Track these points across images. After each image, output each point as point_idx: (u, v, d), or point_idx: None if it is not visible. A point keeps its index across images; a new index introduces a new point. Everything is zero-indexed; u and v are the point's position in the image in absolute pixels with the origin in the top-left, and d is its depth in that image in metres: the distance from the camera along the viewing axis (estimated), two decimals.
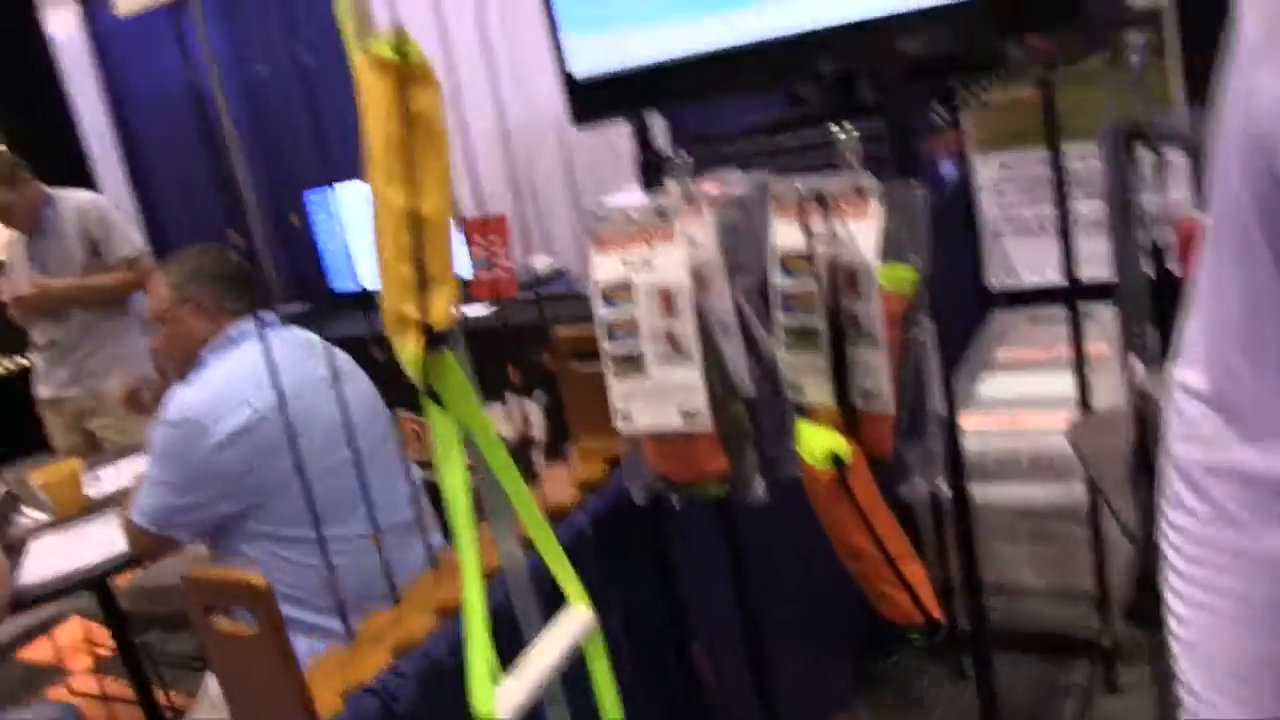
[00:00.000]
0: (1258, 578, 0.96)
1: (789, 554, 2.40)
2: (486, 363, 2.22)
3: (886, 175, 1.55)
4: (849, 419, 1.57)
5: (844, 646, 2.87)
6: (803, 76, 1.84)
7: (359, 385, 2.55)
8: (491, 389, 3.58)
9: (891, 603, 1.61)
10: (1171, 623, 1.02)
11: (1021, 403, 3.47)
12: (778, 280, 1.59)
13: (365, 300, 4.15)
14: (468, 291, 3.97)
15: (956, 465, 1.63)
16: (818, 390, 1.60)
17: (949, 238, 3.82)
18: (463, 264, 4.07)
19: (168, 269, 2.58)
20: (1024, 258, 4.06)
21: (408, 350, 1.10)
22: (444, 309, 1.10)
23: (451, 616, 1.55)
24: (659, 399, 1.59)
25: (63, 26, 5.96)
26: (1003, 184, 3.99)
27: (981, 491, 2.97)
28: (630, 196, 1.64)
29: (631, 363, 1.61)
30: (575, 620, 1.33)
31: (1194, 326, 0.95)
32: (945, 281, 3.54)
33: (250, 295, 2.57)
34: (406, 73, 1.07)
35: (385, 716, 1.37)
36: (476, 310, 3.65)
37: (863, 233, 1.50)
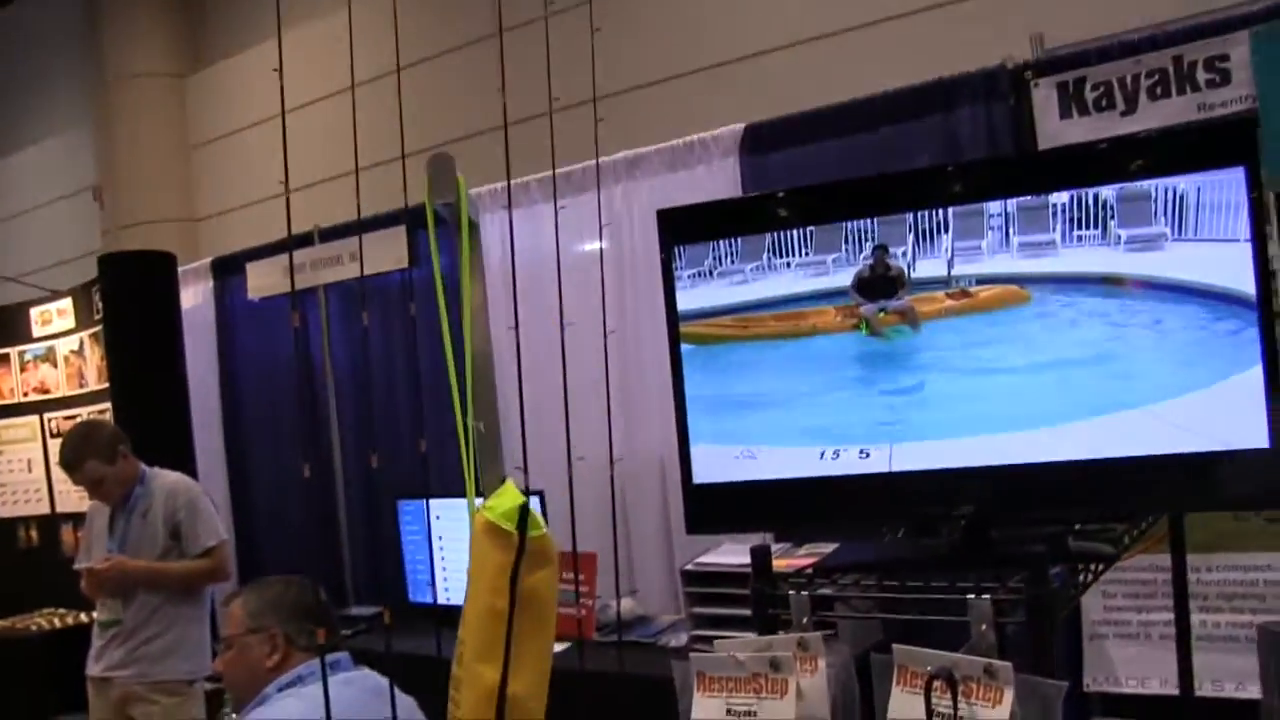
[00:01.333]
0: None
1: None
2: (559, 706, 2.13)
3: (1018, 649, 1.47)
4: None
5: None
6: (936, 517, 1.79)
7: None
8: None
9: None
10: None
11: None
12: None
13: (439, 615, 4.11)
14: None
15: None
16: None
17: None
18: None
19: (246, 595, 2.53)
20: (1126, 664, 3.86)
21: None
22: None
23: None
24: None
25: (194, 298, 6.22)
26: (1109, 585, 3.84)
27: None
28: (740, 640, 1.55)
29: None
30: None
31: None
32: None
33: (329, 634, 2.50)
34: (523, 550, 1.02)
35: None
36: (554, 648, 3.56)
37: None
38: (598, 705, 2.25)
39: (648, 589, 4.45)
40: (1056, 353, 1.76)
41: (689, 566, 3.68)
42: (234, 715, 2.49)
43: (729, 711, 1.50)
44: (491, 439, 1.27)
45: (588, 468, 2.27)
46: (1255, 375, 1.68)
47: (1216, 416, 1.70)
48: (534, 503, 3.84)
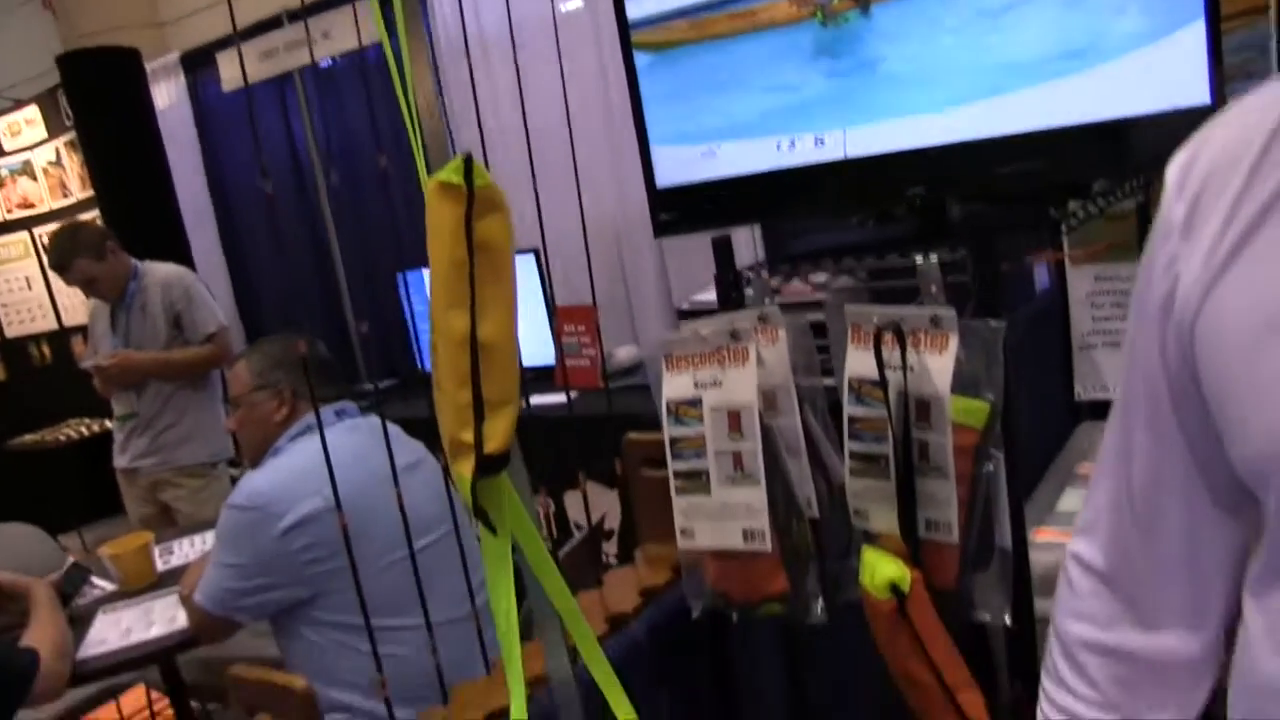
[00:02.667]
0: None
1: (855, 674, 2.33)
2: (565, 450, 2.23)
3: (968, 305, 1.53)
4: (913, 547, 1.53)
5: None
6: (890, 199, 1.82)
7: (432, 476, 2.54)
8: (568, 477, 3.58)
9: None
10: None
11: None
12: (849, 406, 1.57)
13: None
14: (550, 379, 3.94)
15: (1022, 594, 1.57)
16: (883, 517, 1.56)
17: (1041, 348, 3.77)
18: (549, 351, 4.04)
19: (250, 354, 2.61)
20: (1114, 371, 3.98)
21: (461, 475, 1.09)
22: (501, 435, 1.09)
23: None
24: (721, 518, 1.57)
25: (168, 97, 6.15)
26: (1097, 296, 3.92)
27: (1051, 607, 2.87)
28: (704, 320, 1.63)
29: (696, 480, 1.59)
30: None
31: (1096, 498, 0.95)
32: (1034, 391, 3.47)
33: (331, 384, 2.59)
34: (472, 199, 1.07)
35: None
36: (559, 398, 3.68)
37: (937, 365, 1.47)
38: (605, 446, 2.34)
39: (649, 336, 4.57)
40: (1002, 20, 1.75)
41: (684, 305, 3.76)
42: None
43: (696, 385, 1.59)
44: (436, 132, 1.30)
45: (579, 227, 2.29)
46: (1197, 29, 1.67)
47: (1160, 75, 1.70)
48: (529, 260, 3.92)
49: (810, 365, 1.64)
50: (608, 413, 2.25)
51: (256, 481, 2.38)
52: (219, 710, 3.90)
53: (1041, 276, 3.83)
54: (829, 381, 1.63)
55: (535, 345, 4.11)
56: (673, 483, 1.61)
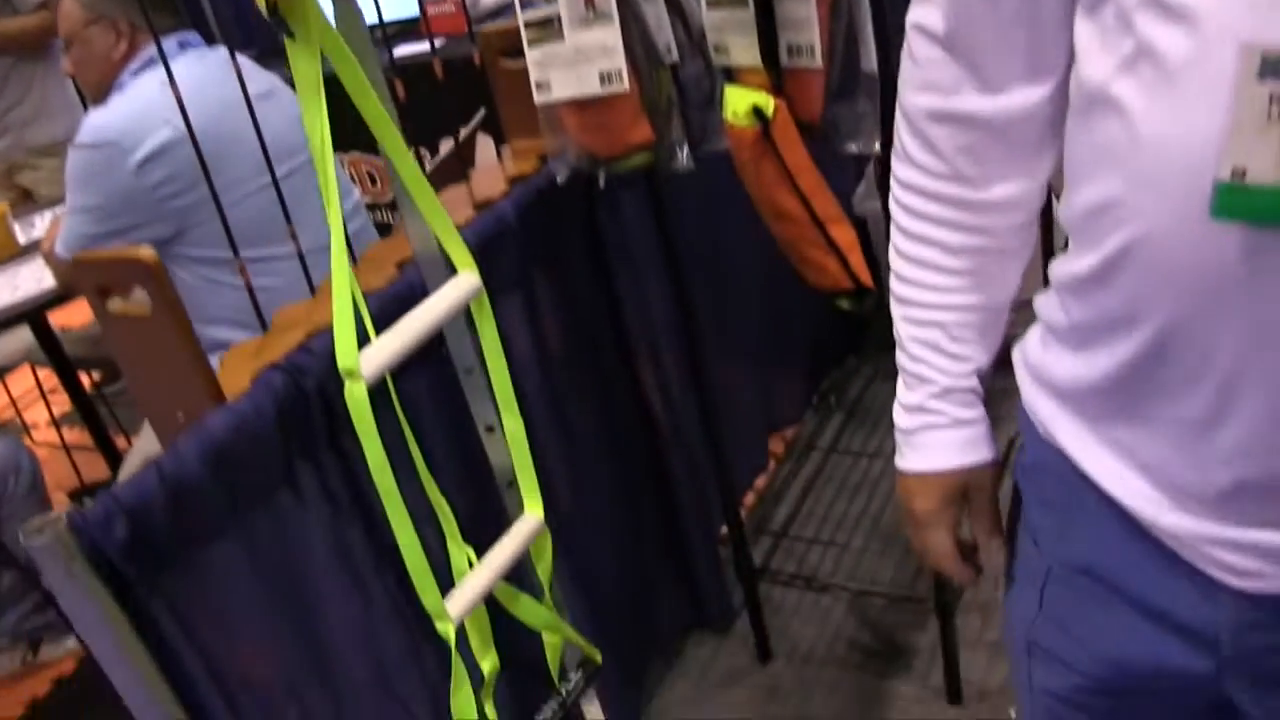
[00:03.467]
0: (978, 229, 0.97)
1: (723, 224, 2.33)
2: (433, 101, 2.13)
3: None
4: (776, 77, 1.48)
5: (795, 357, 2.85)
6: None
7: (288, 103, 2.42)
8: (441, 126, 3.46)
9: (819, 269, 1.57)
10: (893, 282, 1.03)
11: None
12: None
13: None
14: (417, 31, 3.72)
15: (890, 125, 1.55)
16: (743, 49, 1.50)
17: None
18: (412, 3, 3.77)
19: None
20: None
21: None
22: None
23: (369, 299, 1.49)
24: (576, 64, 1.51)
25: None
26: None
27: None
28: None
29: (547, 28, 1.51)
30: (460, 285, 1.26)
31: None
32: None
33: (171, 14, 2.41)
34: None
35: (292, 391, 1.32)
36: (423, 47, 3.51)
37: None
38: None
39: None
40: None
41: None
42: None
43: None
44: None
45: None
46: None
47: None
48: None
49: None
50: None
51: (102, 118, 2.25)
52: (117, 396, 3.86)
53: None
54: None
55: None
56: (524, 35, 1.53)
